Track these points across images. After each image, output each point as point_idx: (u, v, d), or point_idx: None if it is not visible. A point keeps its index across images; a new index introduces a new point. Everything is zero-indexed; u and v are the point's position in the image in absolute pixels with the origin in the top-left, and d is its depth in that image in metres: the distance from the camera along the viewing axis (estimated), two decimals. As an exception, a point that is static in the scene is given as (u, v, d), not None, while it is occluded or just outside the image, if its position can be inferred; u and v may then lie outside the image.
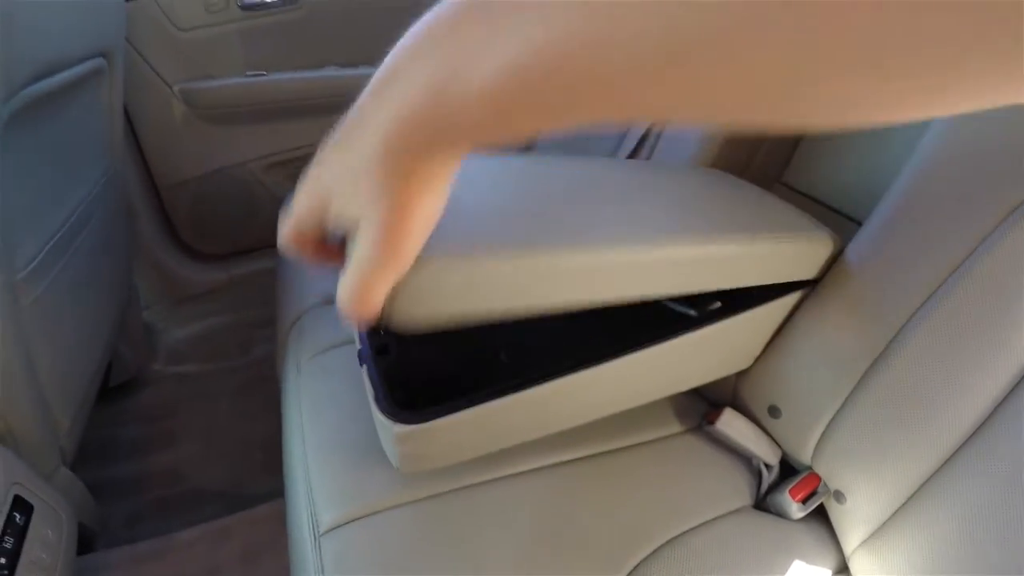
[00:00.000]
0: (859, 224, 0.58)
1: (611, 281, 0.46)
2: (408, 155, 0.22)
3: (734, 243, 0.50)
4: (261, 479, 1.04)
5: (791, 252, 0.56)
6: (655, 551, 0.55)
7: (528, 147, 1.15)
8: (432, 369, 0.57)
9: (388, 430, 0.46)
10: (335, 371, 0.69)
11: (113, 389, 1.20)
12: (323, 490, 0.57)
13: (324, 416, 0.65)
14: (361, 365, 0.52)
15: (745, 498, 0.62)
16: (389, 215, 0.24)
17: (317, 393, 0.68)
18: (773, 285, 0.60)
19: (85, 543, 0.88)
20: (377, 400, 0.48)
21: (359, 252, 0.26)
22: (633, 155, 0.87)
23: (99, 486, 0.95)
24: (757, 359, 0.62)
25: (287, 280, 0.90)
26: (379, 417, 0.47)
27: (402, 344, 0.56)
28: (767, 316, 0.59)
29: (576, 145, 1.01)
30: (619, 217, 0.48)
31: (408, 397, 0.50)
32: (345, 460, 0.59)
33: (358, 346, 0.54)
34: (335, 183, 0.25)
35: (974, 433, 0.46)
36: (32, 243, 0.73)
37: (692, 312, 0.58)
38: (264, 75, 1.22)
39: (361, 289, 0.27)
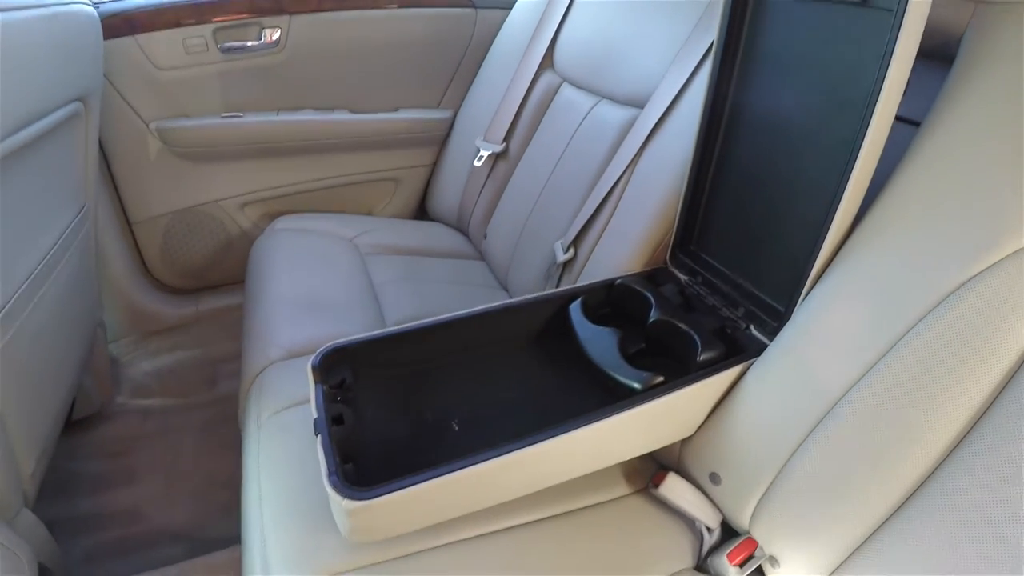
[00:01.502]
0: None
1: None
2: None
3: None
4: (222, 520, 1.03)
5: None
6: (598, 616, 0.57)
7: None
8: (386, 438, 0.59)
9: (338, 504, 0.48)
10: (294, 430, 0.70)
11: (75, 422, 1.19)
12: (277, 553, 0.58)
13: (281, 476, 0.66)
14: (316, 435, 0.54)
15: (687, 560, 0.65)
16: None
17: (276, 452, 0.69)
18: (715, 358, 0.63)
19: (43, 583, 0.86)
20: (329, 475, 0.49)
21: None
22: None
23: (58, 522, 0.94)
24: (700, 427, 0.65)
25: (253, 329, 0.91)
26: (330, 491, 0.49)
27: (357, 412, 0.58)
28: (708, 389, 0.62)
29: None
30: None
31: (360, 469, 0.52)
32: (300, 523, 0.60)
33: (314, 414, 0.56)
34: None
35: (902, 505, 0.48)
36: (2, 292, 0.73)
37: (637, 386, 0.61)
38: (240, 116, 1.24)
39: None
